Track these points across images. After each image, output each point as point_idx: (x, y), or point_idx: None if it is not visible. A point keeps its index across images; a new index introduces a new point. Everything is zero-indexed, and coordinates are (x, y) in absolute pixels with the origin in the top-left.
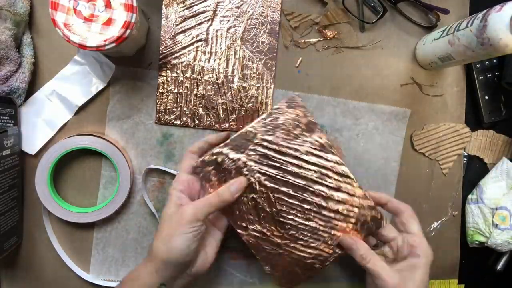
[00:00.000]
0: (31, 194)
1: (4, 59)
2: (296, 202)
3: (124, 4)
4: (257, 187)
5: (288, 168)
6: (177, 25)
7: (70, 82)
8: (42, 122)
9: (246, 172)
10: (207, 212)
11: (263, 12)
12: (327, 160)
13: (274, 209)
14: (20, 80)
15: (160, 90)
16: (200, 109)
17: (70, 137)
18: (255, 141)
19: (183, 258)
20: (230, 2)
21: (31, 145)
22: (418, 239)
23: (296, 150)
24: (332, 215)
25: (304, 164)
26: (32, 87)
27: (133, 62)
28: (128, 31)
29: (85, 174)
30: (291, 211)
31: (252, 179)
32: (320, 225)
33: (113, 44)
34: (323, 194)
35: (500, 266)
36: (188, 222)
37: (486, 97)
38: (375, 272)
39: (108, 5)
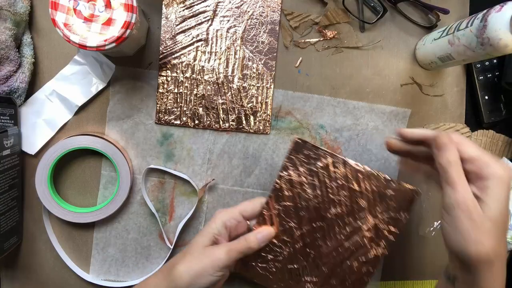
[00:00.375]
0: (31, 194)
1: (4, 59)
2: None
3: (124, 4)
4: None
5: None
6: (177, 25)
7: (70, 82)
8: (42, 122)
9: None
10: (236, 259)
11: (263, 12)
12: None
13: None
14: (20, 80)
15: (160, 90)
16: (200, 109)
17: (70, 137)
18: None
19: None
20: (230, 2)
21: (31, 145)
22: (485, 160)
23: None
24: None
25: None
26: (32, 87)
27: (133, 62)
28: (128, 31)
29: (85, 174)
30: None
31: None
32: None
33: (113, 44)
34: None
35: None
36: (219, 269)
37: (486, 97)
38: (451, 182)
39: (108, 5)
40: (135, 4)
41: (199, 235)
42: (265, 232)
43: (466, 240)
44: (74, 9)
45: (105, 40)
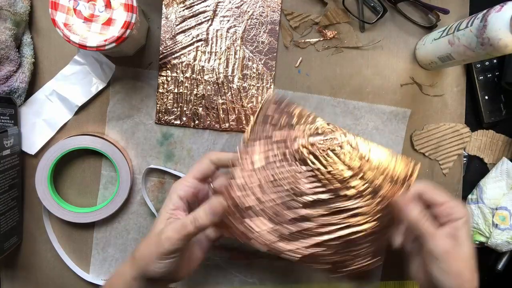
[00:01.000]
0: (31, 194)
1: (4, 59)
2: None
3: (124, 4)
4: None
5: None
6: (177, 25)
7: (70, 82)
8: (42, 122)
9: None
10: (185, 239)
11: (263, 12)
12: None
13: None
14: (20, 80)
15: (160, 90)
16: (200, 109)
17: (70, 137)
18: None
19: (159, 276)
20: (230, 2)
21: (31, 145)
22: (451, 204)
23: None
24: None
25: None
26: (32, 87)
27: (133, 62)
28: (128, 31)
29: (85, 174)
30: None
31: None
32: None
33: (113, 44)
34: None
35: (500, 266)
36: (167, 253)
37: (486, 97)
38: (427, 235)
39: (108, 5)
40: (135, 4)
41: (157, 217)
42: (215, 202)
43: (460, 280)
44: (74, 9)
45: (105, 40)
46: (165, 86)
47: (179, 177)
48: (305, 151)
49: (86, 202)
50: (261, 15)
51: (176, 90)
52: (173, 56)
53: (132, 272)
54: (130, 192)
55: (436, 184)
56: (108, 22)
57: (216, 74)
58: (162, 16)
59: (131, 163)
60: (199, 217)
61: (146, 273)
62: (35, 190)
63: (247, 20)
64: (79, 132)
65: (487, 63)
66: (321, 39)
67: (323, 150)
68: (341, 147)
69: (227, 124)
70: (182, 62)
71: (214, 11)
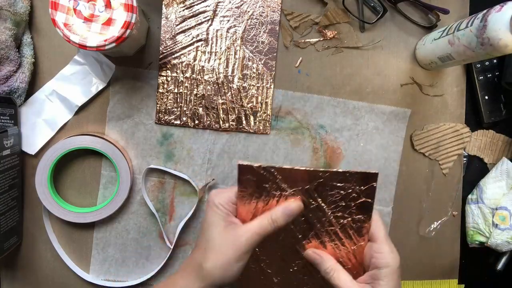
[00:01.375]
0: (31, 194)
1: (4, 59)
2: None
3: (124, 4)
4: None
5: None
6: (177, 25)
7: (70, 82)
8: (42, 122)
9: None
10: (258, 241)
11: (263, 12)
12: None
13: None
14: (20, 80)
15: (160, 90)
16: (200, 109)
17: (70, 137)
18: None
19: (234, 280)
20: (230, 2)
21: (31, 145)
22: (380, 247)
23: None
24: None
25: None
26: (32, 87)
27: (133, 62)
28: (128, 31)
29: (85, 174)
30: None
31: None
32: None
33: (113, 44)
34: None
35: (500, 266)
36: (247, 252)
37: (486, 97)
38: (336, 283)
39: (108, 5)
40: (135, 4)
41: (208, 218)
42: (293, 205)
43: None
44: (74, 9)
45: (105, 40)
46: (165, 86)
47: (179, 177)
48: None
49: (86, 202)
50: (261, 15)
51: (176, 90)
52: (173, 56)
53: (200, 284)
54: (130, 192)
55: (436, 184)
56: (108, 22)
57: (216, 74)
58: (162, 16)
59: (131, 163)
60: (277, 219)
61: (221, 280)
62: (35, 190)
63: (247, 20)
64: (79, 132)
65: (487, 63)
66: (321, 39)
67: None
68: None
69: (227, 124)
70: (182, 62)
71: (214, 11)
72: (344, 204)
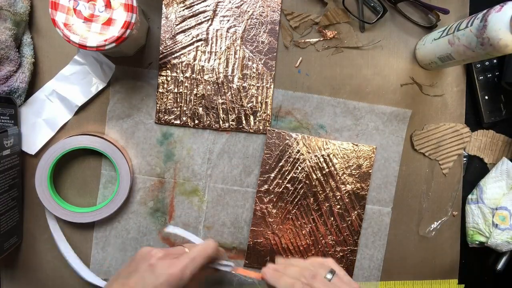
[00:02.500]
0: (31, 194)
1: (4, 59)
2: None
3: (124, 4)
4: None
5: None
6: (177, 25)
7: (70, 82)
8: (42, 122)
9: None
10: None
11: (263, 12)
12: None
13: None
14: (20, 80)
15: (160, 90)
16: (200, 109)
17: (70, 137)
18: None
19: None
20: (230, 2)
21: (31, 145)
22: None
23: None
24: None
25: None
26: (32, 87)
27: (133, 62)
28: (128, 31)
29: (85, 174)
30: None
31: None
32: None
33: (113, 44)
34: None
35: (500, 266)
36: None
37: (486, 97)
38: None
39: (108, 5)
40: (135, 4)
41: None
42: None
43: None
44: (74, 9)
45: (105, 40)
46: (165, 86)
47: (179, 177)
48: None
49: (86, 201)
50: (261, 15)
51: (176, 90)
52: (173, 56)
53: None
54: (130, 191)
55: (436, 184)
56: (108, 22)
57: (216, 74)
58: (162, 16)
59: (131, 163)
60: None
61: None
62: (35, 190)
63: (247, 20)
64: (79, 132)
65: (487, 63)
66: (321, 39)
67: None
68: None
69: (226, 124)
70: (182, 62)
71: (214, 11)
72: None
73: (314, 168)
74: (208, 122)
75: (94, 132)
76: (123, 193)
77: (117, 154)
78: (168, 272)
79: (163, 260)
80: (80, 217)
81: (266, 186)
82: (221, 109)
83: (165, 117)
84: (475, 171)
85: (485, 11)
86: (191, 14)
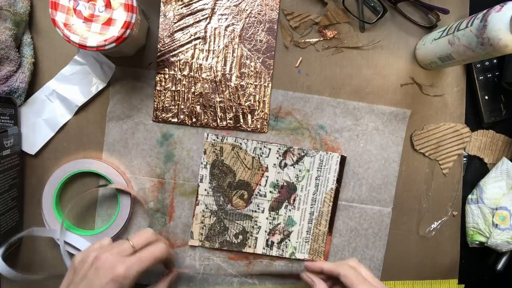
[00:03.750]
0: (31, 194)
1: (4, 59)
2: None
3: (124, 4)
4: None
5: None
6: (175, 23)
7: (70, 82)
8: (42, 122)
9: None
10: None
11: (261, 11)
12: None
13: None
14: (20, 80)
15: (158, 88)
16: (198, 107)
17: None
18: None
19: None
20: (228, 0)
21: (31, 145)
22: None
23: None
24: None
25: None
26: (32, 87)
27: (133, 62)
28: (128, 31)
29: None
30: None
31: None
32: None
33: (113, 44)
34: None
35: (500, 266)
36: None
37: (486, 97)
38: None
39: (108, 5)
40: (135, 4)
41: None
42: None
43: None
44: (74, 9)
45: (105, 40)
46: (163, 84)
47: (179, 178)
48: None
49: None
50: (259, 14)
51: (173, 88)
52: (171, 54)
53: None
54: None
55: (436, 184)
56: (108, 22)
57: (214, 72)
58: (160, 14)
59: (131, 184)
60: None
61: None
62: (35, 190)
63: (245, 18)
64: (79, 132)
65: (487, 63)
66: (321, 39)
67: None
68: None
69: (224, 122)
70: (180, 60)
71: (212, 9)
72: None
73: None
74: (206, 120)
75: (94, 132)
76: (124, 215)
77: (121, 181)
78: (113, 272)
79: (109, 259)
80: (88, 239)
81: None
82: (218, 108)
83: (163, 115)
84: (475, 171)
85: (485, 11)
86: (189, 12)
